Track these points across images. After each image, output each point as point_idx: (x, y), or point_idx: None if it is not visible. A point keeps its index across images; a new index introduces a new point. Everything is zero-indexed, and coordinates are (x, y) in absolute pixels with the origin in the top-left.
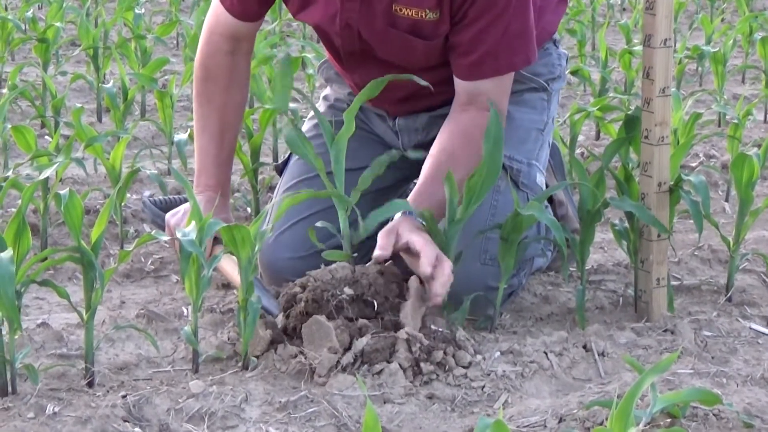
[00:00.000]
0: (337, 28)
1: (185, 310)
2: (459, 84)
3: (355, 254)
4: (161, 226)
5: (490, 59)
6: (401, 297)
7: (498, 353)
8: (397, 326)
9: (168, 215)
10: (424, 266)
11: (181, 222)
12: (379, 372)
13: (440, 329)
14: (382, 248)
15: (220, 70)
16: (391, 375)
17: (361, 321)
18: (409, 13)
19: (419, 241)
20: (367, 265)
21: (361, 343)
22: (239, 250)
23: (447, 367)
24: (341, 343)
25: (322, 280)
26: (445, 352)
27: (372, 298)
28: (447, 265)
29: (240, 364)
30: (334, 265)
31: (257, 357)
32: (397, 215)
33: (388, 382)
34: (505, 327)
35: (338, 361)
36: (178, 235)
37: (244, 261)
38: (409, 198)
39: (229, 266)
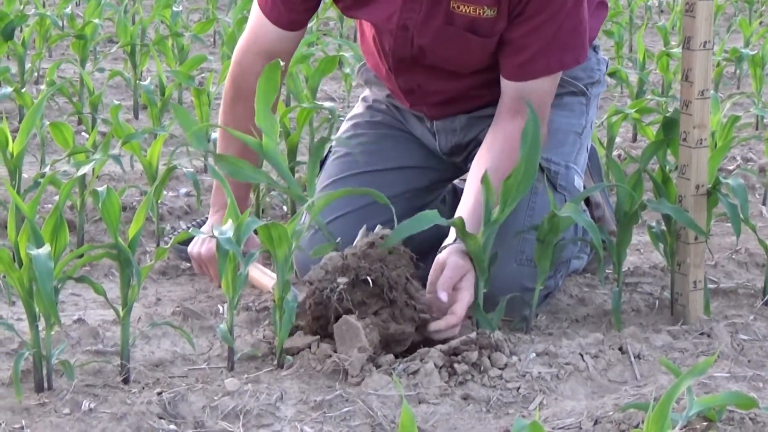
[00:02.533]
0: (393, 27)
1: (221, 308)
2: (507, 86)
3: (338, 240)
4: (187, 260)
5: (541, 57)
6: (399, 263)
7: (533, 354)
8: (408, 304)
9: (190, 247)
10: (440, 292)
11: (203, 247)
12: (414, 372)
13: (475, 330)
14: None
15: (251, 92)
16: (426, 375)
17: (386, 315)
18: (467, 11)
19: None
20: (356, 243)
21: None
22: (276, 248)
23: (482, 368)
24: (371, 342)
25: (317, 279)
26: (480, 353)
27: (366, 276)
28: (459, 308)
29: (275, 362)
30: (324, 260)
31: (293, 356)
32: (447, 249)
33: (423, 382)
34: (541, 328)
35: (371, 360)
36: (216, 233)
37: (280, 259)
38: (459, 213)
39: (255, 273)
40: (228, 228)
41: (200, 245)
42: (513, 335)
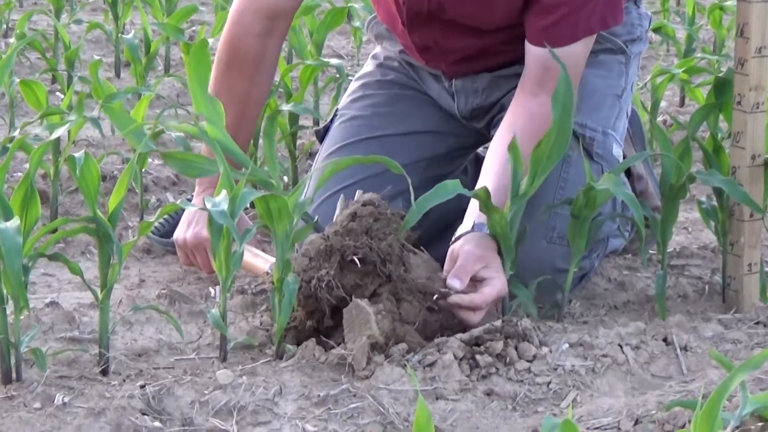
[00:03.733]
0: None
1: (213, 291)
2: (531, 53)
3: (316, 218)
4: (173, 251)
5: (568, 22)
6: (388, 230)
7: (566, 345)
8: (404, 280)
9: (175, 234)
10: (455, 276)
11: (189, 232)
12: (431, 364)
13: (500, 317)
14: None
15: (248, 56)
16: (445, 368)
17: (387, 294)
18: None
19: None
20: (335, 217)
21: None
22: (275, 224)
23: (508, 360)
24: (381, 331)
25: (302, 269)
26: (505, 343)
27: (353, 256)
28: (480, 299)
29: (274, 352)
30: (305, 245)
31: (296, 345)
32: (462, 238)
33: (440, 375)
34: (575, 316)
35: (381, 350)
36: (208, 205)
37: (280, 235)
38: (471, 206)
39: (247, 256)
40: (221, 199)
41: (186, 230)
42: (543, 323)
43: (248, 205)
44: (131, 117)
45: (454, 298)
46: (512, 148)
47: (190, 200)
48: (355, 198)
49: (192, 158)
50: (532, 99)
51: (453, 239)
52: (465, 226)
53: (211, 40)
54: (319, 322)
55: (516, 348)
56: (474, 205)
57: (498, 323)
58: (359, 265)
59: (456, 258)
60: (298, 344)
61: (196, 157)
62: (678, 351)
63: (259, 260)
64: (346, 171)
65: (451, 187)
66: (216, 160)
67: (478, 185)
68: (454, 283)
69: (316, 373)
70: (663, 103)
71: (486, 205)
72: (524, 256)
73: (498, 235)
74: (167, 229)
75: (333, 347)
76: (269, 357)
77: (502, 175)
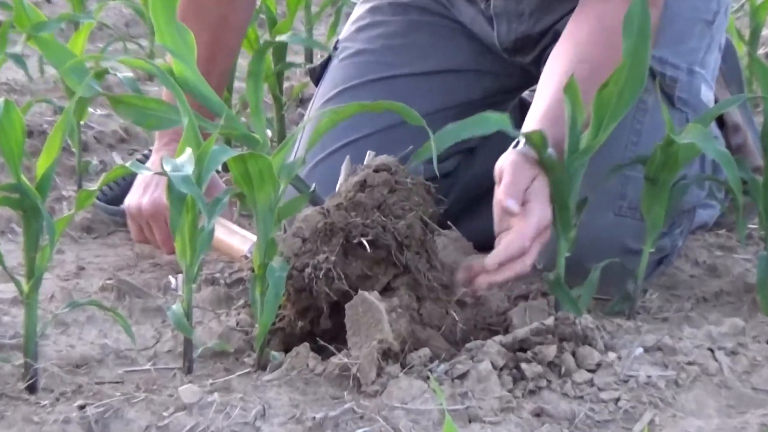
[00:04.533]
0: None
1: (173, 281)
2: None
3: (313, 187)
4: (123, 223)
5: None
6: (408, 203)
7: (640, 350)
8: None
9: (126, 202)
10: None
11: (144, 198)
12: (462, 376)
13: (552, 313)
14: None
15: None
16: (480, 380)
17: (404, 289)
18: None
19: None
20: (339, 186)
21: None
22: (255, 191)
23: (563, 370)
24: (396, 334)
25: (293, 253)
26: (560, 348)
27: (360, 236)
28: (527, 229)
29: (255, 361)
30: (297, 222)
31: (284, 352)
32: (506, 153)
33: (475, 390)
34: (651, 311)
35: (396, 358)
36: (167, 168)
37: (263, 208)
38: (526, 125)
39: (221, 233)
40: (185, 160)
41: (141, 195)
42: (610, 321)
43: (221, 168)
44: (68, 49)
45: (489, 260)
46: (570, 88)
47: (145, 160)
48: (366, 161)
49: (148, 104)
50: (604, 2)
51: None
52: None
53: None
54: (314, 322)
55: (574, 354)
56: (527, 119)
57: (550, 321)
58: (369, 250)
59: (501, 173)
60: (287, 351)
61: (154, 102)
62: None
63: (236, 240)
64: (349, 123)
65: (495, 120)
66: (179, 106)
67: (530, 120)
68: (510, 204)
69: (310, 389)
70: (765, 32)
71: (539, 152)
72: (585, 233)
73: (554, 200)
74: (116, 194)
75: (333, 355)
76: (248, 368)
77: (556, 121)
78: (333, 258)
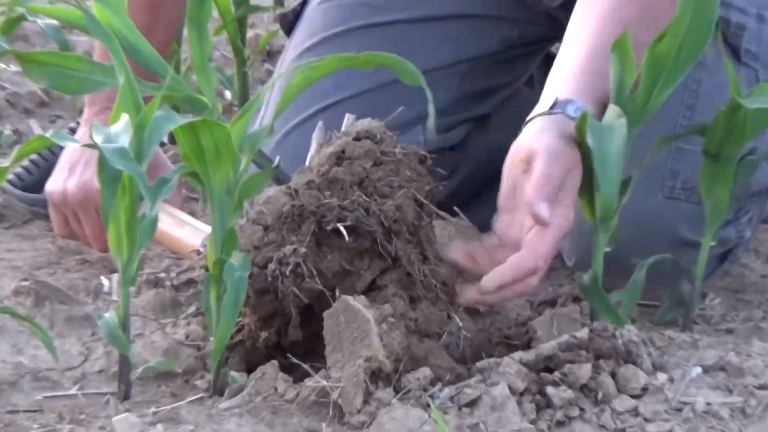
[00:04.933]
0: None
1: (106, 282)
2: None
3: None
4: (44, 215)
5: None
6: (398, 179)
7: (698, 370)
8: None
9: (48, 187)
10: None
11: (71, 181)
12: (473, 402)
13: (588, 324)
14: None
15: None
16: (495, 409)
17: (393, 288)
18: None
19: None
20: (309, 158)
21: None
22: (210, 169)
23: (600, 396)
24: (389, 350)
25: (254, 245)
26: (596, 367)
27: (337, 222)
28: (543, 243)
29: (209, 384)
30: (258, 204)
31: (246, 372)
32: (543, 122)
33: (488, 422)
34: (712, 321)
35: (387, 379)
36: (97, 139)
37: (219, 189)
38: (555, 80)
39: (167, 223)
40: (120, 129)
41: (66, 178)
42: (659, 333)
43: (166, 139)
44: None
45: (489, 281)
46: (620, 44)
47: (71, 133)
48: (343, 126)
49: (68, 63)
50: None
51: (521, 128)
52: (543, 104)
53: None
54: (281, 333)
55: (614, 375)
56: (559, 68)
57: (583, 333)
58: (348, 239)
59: (530, 154)
60: (250, 371)
61: (75, 60)
62: None
63: (185, 231)
64: (328, 81)
65: None
66: (113, 64)
67: (560, 73)
68: (541, 211)
69: (279, 419)
70: None
71: (582, 138)
72: (628, 222)
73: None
74: (36, 177)
75: (307, 376)
76: (201, 392)
77: (592, 80)
78: (303, 250)
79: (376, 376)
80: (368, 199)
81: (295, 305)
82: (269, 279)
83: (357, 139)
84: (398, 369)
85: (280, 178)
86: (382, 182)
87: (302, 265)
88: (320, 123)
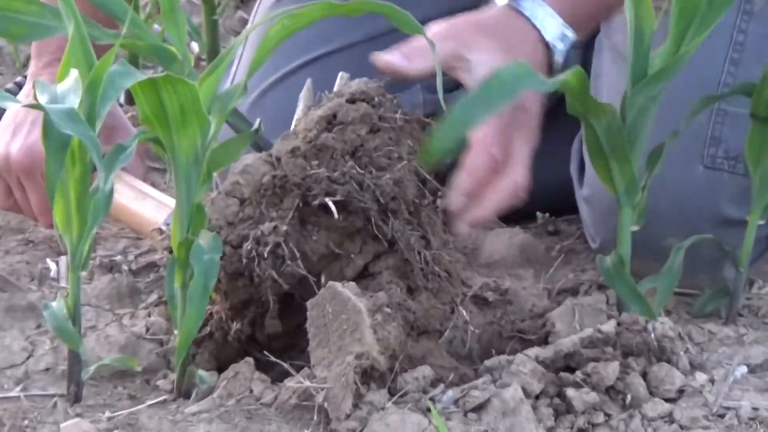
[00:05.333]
0: None
1: (53, 267)
2: None
3: (258, 123)
4: None
5: None
6: (397, 150)
7: (743, 369)
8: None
9: None
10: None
11: (14, 143)
12: (479, 407)
13: (615, 316)
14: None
15: None
16: (506, 414)
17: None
18: None
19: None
20: (295, 122)
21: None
22: (175, 134)
23: (629, 399)
24: (384, 345)
25: (227, 222)
26: (624, 366)
27: (325, 197)
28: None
29: (173, 385)
30: (233, 174)
31: (217, 371)
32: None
33: (498, 429)
34: (760, 313)
35: (381, 379)
36: (41, 98)
37: (185, 158)
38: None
39: (126, 196)
40: (69, 87)
41: (8, 142)
42: (698, 327)
43: (122, 99)
44: None
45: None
46: None
47: (17, 90)
48: (336, 86)
49: (16, 5)
50: None
51: None
52: None
53: None
54: (256, 323)
55: (645, 375)
56: None
57: (609, 327)
58: (337, 217)
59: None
60: (221, 370)
61: (25, 2)
62: None
63: (146, 206)
64: (312, 32)
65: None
66: (60, 8)
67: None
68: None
69: (254, 426)
70: None
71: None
72: (661, 197)
73: (592, 148)
74: None
75: (288, 375)
76: (164, 394)
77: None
78: (284, 228)
79: (368, 375)
80: (362, 171)
81: (273, 292)
82: (244, 261)
83: (351, 101)
84: (394, 368)
85: (259, 144)
86: (379, 152)
87: (283, 245)
88: (308, 81)
